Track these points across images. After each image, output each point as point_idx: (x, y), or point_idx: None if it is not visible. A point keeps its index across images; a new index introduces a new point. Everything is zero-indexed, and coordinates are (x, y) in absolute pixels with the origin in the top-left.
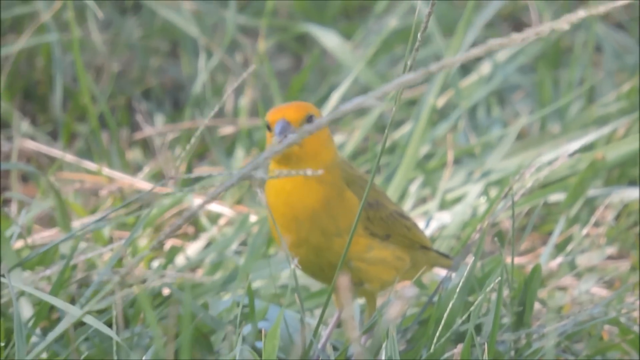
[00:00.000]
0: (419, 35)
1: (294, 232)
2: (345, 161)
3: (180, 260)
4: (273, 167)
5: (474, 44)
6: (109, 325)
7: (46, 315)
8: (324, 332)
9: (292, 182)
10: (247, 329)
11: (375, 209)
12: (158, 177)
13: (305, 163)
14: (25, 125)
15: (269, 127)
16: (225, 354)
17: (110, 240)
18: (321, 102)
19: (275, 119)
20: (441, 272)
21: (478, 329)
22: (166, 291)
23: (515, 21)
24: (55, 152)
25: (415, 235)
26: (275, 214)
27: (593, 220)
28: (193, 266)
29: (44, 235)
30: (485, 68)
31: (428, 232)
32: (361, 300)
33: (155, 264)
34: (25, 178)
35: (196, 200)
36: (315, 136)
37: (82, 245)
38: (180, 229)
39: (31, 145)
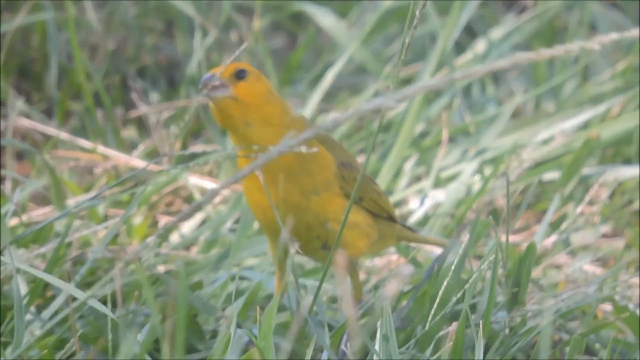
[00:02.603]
0: (417, 12)
1: (272, 193)
2: (309, 122)
3: (174, 238)
4: (235, 142)
5: (469, 24)
6: (103, 302)
7: (41, 293)
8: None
9: (262, 141)
10: (239, 302)
11: (349, 169)
12: (153, 155)
13: (249, 117)
14: (20, 103)
15: None
16: (220, 338)
17: (105, 218)
18: (316, 80)
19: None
20: (436, 250)
21: (473, 307)
22: (160, 269)
23: None
24: (50, 130)
25: (384, 202)
26: (253, 179)
27: (587, 198)
28: (187, 244)
29: (39, 213)
30: (480, 46)
31: (422, 211)
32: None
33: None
34: (20, 156)
35: (191, 179)
36: (249, 87)
37: (77, 223)
38: (187, 216)
39: (26, 123)
